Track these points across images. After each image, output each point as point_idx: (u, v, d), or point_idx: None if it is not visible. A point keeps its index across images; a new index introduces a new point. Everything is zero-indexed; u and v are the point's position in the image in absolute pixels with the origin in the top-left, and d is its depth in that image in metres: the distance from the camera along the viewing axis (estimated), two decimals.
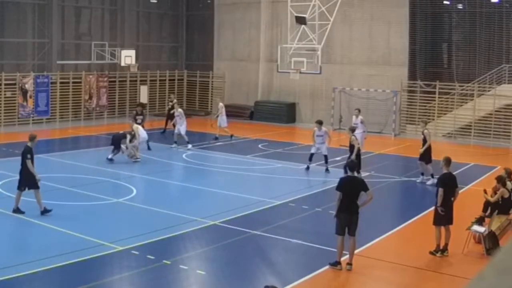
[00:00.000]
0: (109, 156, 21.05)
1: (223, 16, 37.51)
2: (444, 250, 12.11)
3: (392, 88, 31.22)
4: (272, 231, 13.43)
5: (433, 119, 30.59)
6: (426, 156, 18.84)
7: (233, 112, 35.99)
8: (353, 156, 17.61)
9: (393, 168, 21.16)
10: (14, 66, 30.86)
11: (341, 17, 31.20)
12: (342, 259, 11.19)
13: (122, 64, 32.23)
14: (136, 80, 35.59)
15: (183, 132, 24.43)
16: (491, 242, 12.27)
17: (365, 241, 12.48)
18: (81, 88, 32.65)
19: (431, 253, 12.11)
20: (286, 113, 34.60)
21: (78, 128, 30.34)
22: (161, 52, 39.64)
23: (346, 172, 17.63)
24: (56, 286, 10.36)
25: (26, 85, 29.91)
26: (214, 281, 10.81)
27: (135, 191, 17.04)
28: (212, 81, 38.07)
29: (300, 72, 28.66)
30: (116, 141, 21.31)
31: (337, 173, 17.71)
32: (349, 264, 11.15)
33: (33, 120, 30.55)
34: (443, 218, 12.10)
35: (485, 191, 14.01)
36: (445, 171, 12.44)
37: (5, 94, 29.57)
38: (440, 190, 12.07)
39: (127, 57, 32.15)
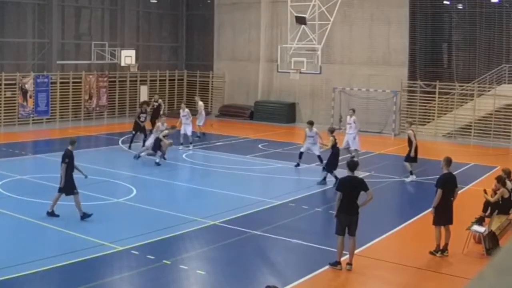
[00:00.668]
0: (157, 160, 20.94)
1: (223, 16, 37.51)
2: (444, 250, 12.11)
3: (392, 88, 31.22)
4: (272, 231, 13.43)
5: (433, 119, 30.61)
6: (412, 157, 19.14)
7: (233, 112, 36.04)
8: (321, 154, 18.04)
9: (393, 168, 21.15)
10: (14, 66, 30.86)
11: (341, 17, 31.20)
12: (342, 259, 11.19)
13: (122, 64, 32.24)
14: (136, 80, 35.59)
15: (189, 132, 24.46)
16: (491, 242, 12.27)
17: (365, 241, 12.48)
18: (81, 88, 32.65)
19: (431, 253, 12.11)
20: (286, 113, 34.60)
21: (78, 128, 30.33)
22: (161, 52, 39.64)
23: (325, 171, 17.95)
24: (56, 286, 10.36)
25: (26, 85, 29.91)
26: (214, 281, 10.81)
27: (135, 191, 17.04)
28: (212, 81, 38.08)
29: (300, 72, 28.66)
30: (157, 144, 21.19)
31: (336, 173, 17.69)
32: (349, 264, 11.15)
33: (33, 120, 30.56)
34: (443, 218, 12.09)
35: (485, 191, 14.00)
36: (445, 171, 12.43)
37: (5, 94, 29.57)
38: (439, 191, 12.08)
39: (127, 57, 32.16)
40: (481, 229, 12.33)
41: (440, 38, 31.93)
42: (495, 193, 13.60)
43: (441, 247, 12.09)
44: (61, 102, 31.88)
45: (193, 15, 39.46)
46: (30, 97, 30.17)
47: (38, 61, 31.66)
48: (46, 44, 31.71)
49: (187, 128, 24.55)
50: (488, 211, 13.42)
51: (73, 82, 32.32)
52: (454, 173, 12.89)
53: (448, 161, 12.51)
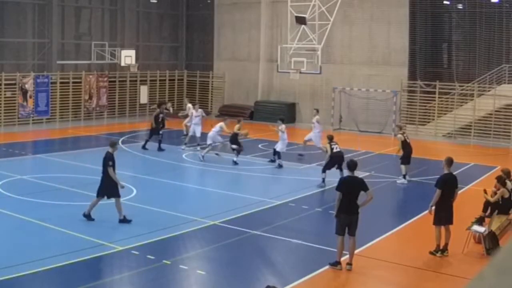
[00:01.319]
0: (235, 159, 21.57)
1: (223, 16, 37.51)
2: (444, 250, 12.11)
3: (392, 88, 31.21)
4: (272, 231, 13.43)
5: (433, 119, 30.60)
6: (406, 159, 19.27)
7: (233, 112, 36.01)
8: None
9: (393, 168, 21.13)
10: (14, 66, 30.86)
11: (341, 17, 31.20)
12: (342, 259, 11.19)
13: (122, 64, 32.25)
14: (136, 80, 35.60)
15: (198, 134, 24.40)
16: (491, 242, 12.27)
17: (365, 241, 12.48)
18: (81, 88, 32.65)
19: (431, 253, 12.11)
20: (286, 113, 34.54)
21: (78, 128, 30.34)
22: (161, 52, 39.63)
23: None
24: (56, 286, 10.36)
25: (26, 85, 29.91)
26: (214, 281, 10.82)
27: (135, 191, 17.02)
28: (212, 81, 38.07)
29: (300, 72, 28.66)
30: (235, 140, 21.94)
31: (337, 173, 17.69)
32: (349, 264, 11.16)
33: (33, 120, 30.56)
34: (443, 218, 12.09)
35: (485, 191, 14.01)
36: (446, 171, 12.43)
37: (5, 94, 29.58)
38: (438, 191, 12.08)
39: (127, 57, 32.17)
40: (481, 229, 12.33)
41: (440, 38, 31.92)
42: (495, 193, 13.60)
43: (441, 247, 12.09)
44: (61, 102, 31.88)
45: (193, 15, 39.44)
46: (30, 97, 30.18)
47: (38, 61, 31.66)
48: (46, 44, 31.72)
49: (196, 129, 24.47)
50: (488, 211, 13.42)
51: (73, 82, 32.33)
52: (454, 173, 12.88)
53: (449, 161, 12.49)
